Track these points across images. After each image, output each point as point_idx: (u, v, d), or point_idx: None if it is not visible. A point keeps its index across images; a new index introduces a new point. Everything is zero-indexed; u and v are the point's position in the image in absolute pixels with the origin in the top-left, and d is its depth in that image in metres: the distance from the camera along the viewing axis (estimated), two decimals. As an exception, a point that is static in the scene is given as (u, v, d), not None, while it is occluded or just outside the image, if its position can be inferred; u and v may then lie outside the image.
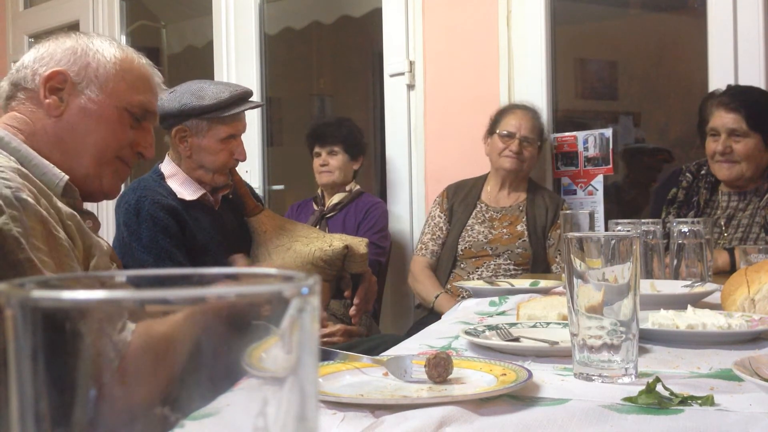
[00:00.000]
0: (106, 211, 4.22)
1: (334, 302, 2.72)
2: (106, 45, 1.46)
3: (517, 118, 3.10)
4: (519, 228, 3.05)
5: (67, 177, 1.36)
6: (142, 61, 1.51)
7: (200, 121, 2.32)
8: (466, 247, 3.07)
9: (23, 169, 1.29)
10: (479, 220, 3.11)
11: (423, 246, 3.19)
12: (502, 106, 3.22)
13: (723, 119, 2.61)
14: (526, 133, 3.08)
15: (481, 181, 3.21)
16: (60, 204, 1.31)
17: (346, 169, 3.32)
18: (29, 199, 1.20)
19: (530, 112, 3.15)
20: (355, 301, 2.49)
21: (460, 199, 3.18)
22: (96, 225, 1.44)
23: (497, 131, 3.11)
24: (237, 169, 2.44)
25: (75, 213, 1.32)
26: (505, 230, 3.06)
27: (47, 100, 1.39)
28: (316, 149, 3.35)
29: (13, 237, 1.15)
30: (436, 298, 3.02)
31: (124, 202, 2.29)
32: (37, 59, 1.42)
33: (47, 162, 1.36)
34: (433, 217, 3.21)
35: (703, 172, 2.77)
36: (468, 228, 3.10)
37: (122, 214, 2.27)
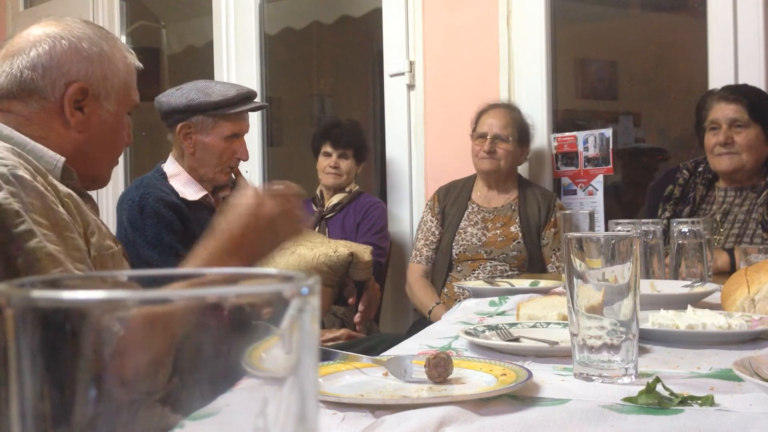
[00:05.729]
0: (106, 211, 4.22)
1: (337, 307, 2.72)
2: (115, 50, 1.45)
3: (489, 117, 3.07)
4: (513, 230, 3.02)
5: (63, 159, 1.35)
6: (130, 56, 1.50)
7: (206, 118, 2.33)
8: (460, 251, 3.04)
9: (17, 150, 1.29)
10: (472, 222, 3.08)
11: (417, 253, 3.16)
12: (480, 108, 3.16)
13: (724, 110, 2.63)
14: (497, 131, 3.03)
15: (471, 181, 3.18)
16: (56, 182, 1.30)
17: (352, 173, 3.30)
18: (26, 176, 1.20)
19: (504, 109, 3.10)
20: (360, 308, 2.50)
21: (451, 200, 3.14)
22: (94, 208, 1.44)
23: (471, 134, 3.11)
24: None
25: (72, 192, 1.32)
26: (498, 232, 3.03)
27: (73, 118, 1.38)
28: (327, 149, 3.28)
29: (13, 210, 1.15)
30: (430, 312, 2.98)
31: (128, 200, 2.28)
32: (51, 67, 1.36)
33: (42, 146, 1.35)
34: (425, 222, 3.18)
35: (700, 169, 2.78)
36: (461, 230, 3.06)
37: (125, 211, 2.27)
